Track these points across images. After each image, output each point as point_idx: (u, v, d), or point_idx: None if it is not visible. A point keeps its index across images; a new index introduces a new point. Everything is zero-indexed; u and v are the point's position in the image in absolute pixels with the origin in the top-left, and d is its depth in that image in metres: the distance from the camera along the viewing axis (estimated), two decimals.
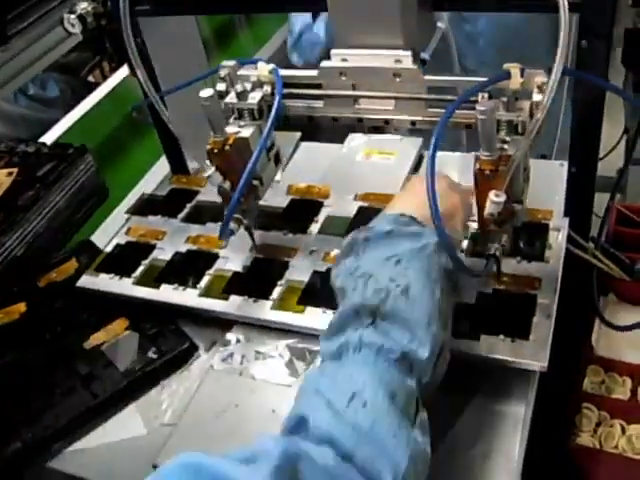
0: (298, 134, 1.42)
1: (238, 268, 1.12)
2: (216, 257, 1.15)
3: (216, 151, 0.96)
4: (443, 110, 0.84)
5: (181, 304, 1.08)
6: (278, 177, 1.38)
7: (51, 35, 1.29)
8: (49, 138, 1.94)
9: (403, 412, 0.67)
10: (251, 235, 1.11)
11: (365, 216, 1.17)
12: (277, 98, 0.96)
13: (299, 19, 2.16)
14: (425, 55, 1.55)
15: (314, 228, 1.17)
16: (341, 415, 0.65)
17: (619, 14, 0.97)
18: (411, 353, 0.71)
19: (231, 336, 1.05)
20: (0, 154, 1.66)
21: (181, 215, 1.26)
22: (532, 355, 0.91)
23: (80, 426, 0.99)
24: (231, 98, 1.00)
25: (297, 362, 0.99)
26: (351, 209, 1.19)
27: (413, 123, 0.99)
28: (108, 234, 1.29)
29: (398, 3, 0.91)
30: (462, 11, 0.98)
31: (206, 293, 1.09)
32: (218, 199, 1.25)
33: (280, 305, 1.04)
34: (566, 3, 0.79)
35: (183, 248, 1.18)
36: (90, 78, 2.62)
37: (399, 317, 0.73)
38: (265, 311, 1.04)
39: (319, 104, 1.03)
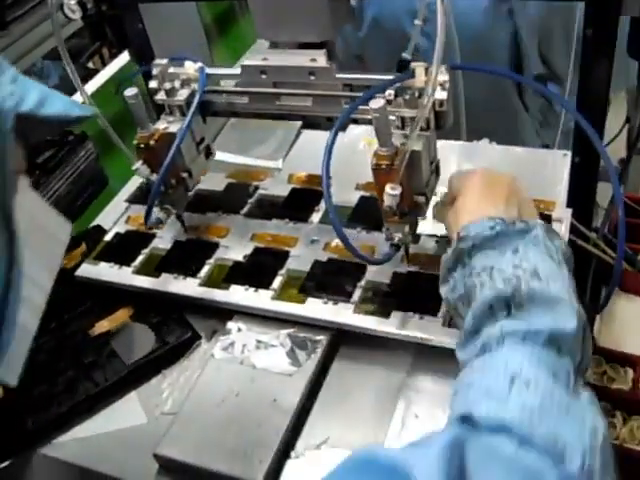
0: (299, 123, 1.41)
1: (239, 257, 1.11)
2: (216, 246, 1.14)
3: (142, 146, 1.03)
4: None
5: (181, 294, 1.08)
6: (280, 165, 1.39)
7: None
8: None
9: (569, 389, 0.64)
10: (182, 222, 1.16)
11: (367, 205, 1.17)
12: (197, 95, 1.04)
13: None
14: (406, 55, 1.56)
15: (315, 217, 1.16)
16: (505, 400, 0.61)
17: (624, 2, 0.96)
18: (558, 331, 0.68)
19: (232, 325, 1.05)
20: None
21: None
22: None
23: (81, 414, 0.99)
24: (161, 95, 1.07)
25: (298, 351, 0.99)
26: (352, 198, 1.18)
27: (329, 119, 1.02)
28: (108, 222, 1.29)
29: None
30: None
31: (206, 282, 1.08)
32: (218, 187, 1.26)
33: (281, 295, 1.04)
34: None
35: (183, 237, 1.17)
36: (90, 64, 2.60)
37: (537, 298, 0.70)
38: (266, 301, 1.03)
39: (244, 100, 1.09)
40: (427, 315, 0.97)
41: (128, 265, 1.14)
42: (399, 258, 1.05)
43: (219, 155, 1.39)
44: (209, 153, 1.15)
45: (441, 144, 1.36)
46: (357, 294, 1.01)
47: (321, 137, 1.39)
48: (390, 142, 0.86)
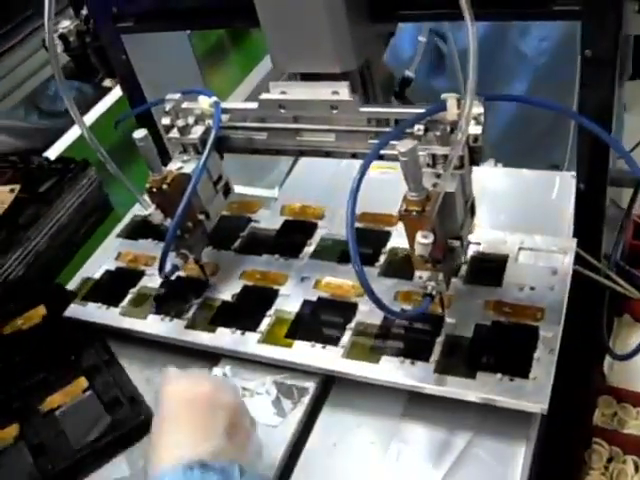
0: None
1: (227, 297, 1.07)
2: (205, 285, 1.10)
3: (155, 190, 0.96)
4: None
5: (167, 336, 1.04)
6: (275, 195, 1.34)
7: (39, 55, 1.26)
8: (59, 148, 1.92)
9: None
10: (202, 269, 1.09)
11: (360, 238, 1.12)
12: (213, 132, 0.97)
13: None
14: (410, 73, 1.49)
15: (307, 251, 1.11)
16: None
17: (625, 20, 0.90)
18: None
19: (217, 371, 1.00)
20: (3, 169, 1.64)
21: None
22: (531, 396, 0.84)
23: None
24: (174, 133, 1.00)
25: (284, 400, 0.95)
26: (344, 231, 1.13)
27: (354, 155, 0.95)
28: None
29: (327, 26, 0.87)
30: (403, 22, 0.92)
31: (193, 325, 1.04)
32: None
33: (267, 338, 0.99)
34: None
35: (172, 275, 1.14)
36: (106, 83, 2.59)
37: None
38: (252, 345, 0.99)
39: (262, 136, 1.01)
40: (419, 360, 0.91)
41: (116, 305, 1.11)
42: (392, 297, 1.00)
43: None
44: (227, 191, 1.08)
45: None
46: (346, 337, 0.96)
47: (319, 164, 1.36)
48: (421, 186, 0.78)
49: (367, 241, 1.10)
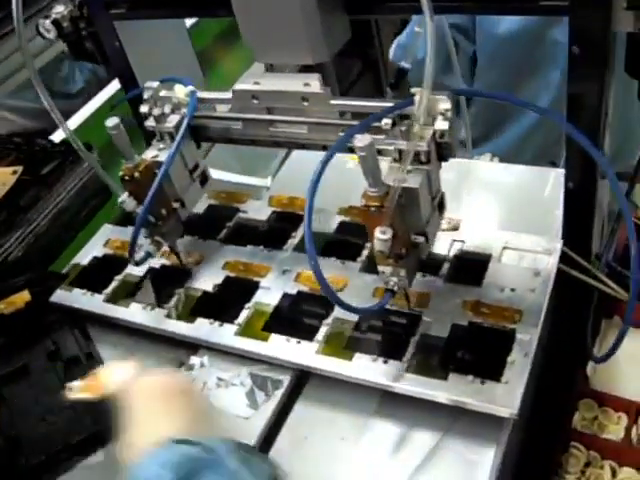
0: None
1: (208, 287, 1.07)
2: (189, 274, 1.10)
3: (127, 178, 0.96)
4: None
5: (147, 325, 1.05)
6: (268, 184, 1.34)
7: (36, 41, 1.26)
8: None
9: None
10: (178, 256, 1.10)
11: (346, 232, 1.11)
12: (185, 120, 0.97)
13: None
14: (405, 65, 1.46)
15: (291, 244, 1.11)
16: None
17: (614, 16, 0.87)
18: None
19: (195, 360, 1.01)
20: (7, 151, 1.65)
21: None
22: (502, 400, 0.83)
23: None
24: (150, 121, 1.00)
25: (258, 392, 0.95)
26: (332, 224, 1.12)
27: (324, 147, 0.94)
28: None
29: (300, 16, 0.86)
30: (378, 15, 0.91)
31: (173, 314, 1.05)
32: (198, 210, 1.22)
33: (244, 331, 0.99)
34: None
35: (157, 263, 1.14)
36: None
37: None
38: (228, 337, 0.99)
39: (238, 126, 1.01)
40: (392, 359, 0.91)
41: (100, 292, 1.12)
42: (371, 294, 0.99)
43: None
44: (205, 180, 1.09)
45: None
46: (322, 332, 0.96)
47: (313, 154, 1.35)
48: (380, 182, 0.77)
49: (352, 235, 1.09)
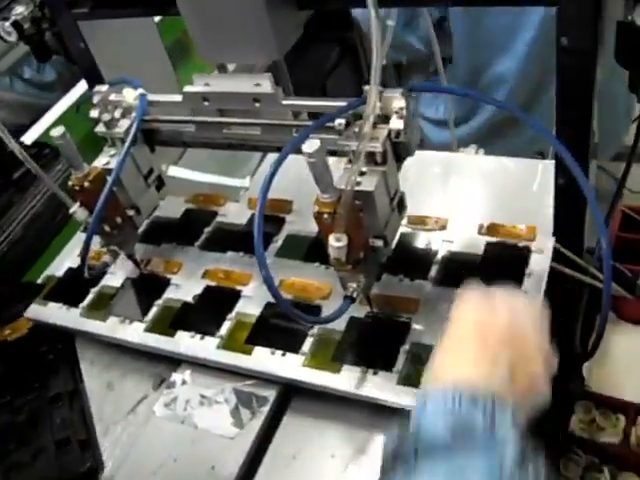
0: None
1: (188, 298, 1.03)
2: (168, 283, 1.06)
3: (77, 188, 0.94)
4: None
5: (126, 340, 1.01)
6: (247, 184, 1.29)
7: None
8: (38, 130, 1.87)
9: None
10: (134, 262, 1.08)
11: None
12: (134, 125, 0.94)
13: None
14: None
15: (273, 248, 1.07)
16: None
17: (604, 5, 0.83)
18: None
19: (177, 377, 0.97)
20: None
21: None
22: None
23: None
24: (100, 127, 0.98)
25: (242, 410, 0.91)
26: (314, 227, 1.07)
27: (279, 148, 0.89)
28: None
29: (248, 14, 0.83)
30: (331, 7, 0.87)
31: (152, 328, 1.01)
32: (175, 214, 1.18)
33: (227, 344, 0.95)
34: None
35: (134, 273, 1.09)
36: None
37: None
38: (211, 350, 0.95)
39: (191, 128, 0.98)
40: (382, 370, 0.87)
41: (76, 306, 1.07)
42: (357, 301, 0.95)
43: (178, 172, 1.31)
44: (161, 185, 1.07)
45: (424, 155, 1.27)
46: (308, 344, 0.92)
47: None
48: (331, 187, 0.75)
49: None
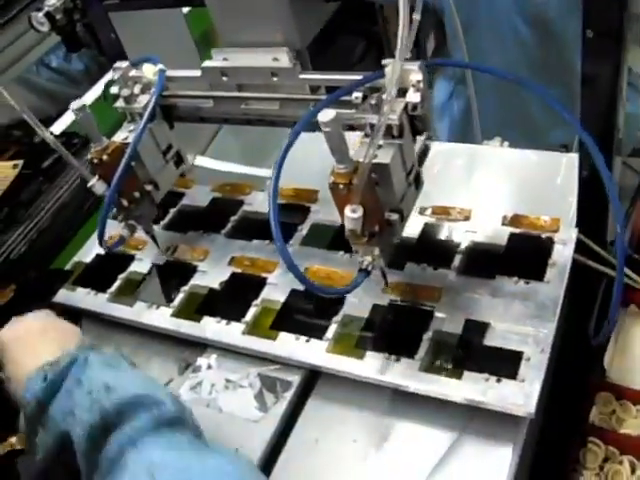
0: None
1: (214, 284, 1.05)
2: (194, 270, 1.08)
3: (96, 161, 0.95)
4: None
5: (152, 324, 1.03)
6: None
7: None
8: (66, 121, 1.89)
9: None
10: (153, 239, 1.09)
11: None
12: (153, 99, 0.95)
13: None
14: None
15: (298, 237, 1.08)
16: None
17: None
18: (162, 418, 0.69)
19: (202, 361, 0.99)
20: (8, 144, 1.63)
21: (164, 222, 1.19)
22: (518, 399, 0.81)
23: None
24: (120, 102, 0.99)
25: (267, 394, 0.92)
26: (338, 216, 1.09)
27: (295, 123, 0.89)
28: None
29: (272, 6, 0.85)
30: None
31: (179, 313, 1.02)
32: (202, 203, 1.20)
33: (252, 329, 0.97)
34: None
35: (161, 259, 1.12)
36: None
37: (124, 405, 0.69)
38: (236, 336, 0.97)
39: (209, 104, 0.99)
40: (404, 357, 0.88)
41: (104, 291, 1.09)
42: (380, 289, 0.96)
43: (205, 162, 1.33)
44: (180, 161, 1.07)
45: (449, 146, 1.28)
46: (332, 330, 0.94)
47: (316, 140, 1.32)
48: (347, 158, 0.75)
49: None
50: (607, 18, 0.82)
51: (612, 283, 1.02)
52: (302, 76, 0.90)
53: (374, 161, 0.75)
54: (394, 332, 0.92)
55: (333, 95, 0.81)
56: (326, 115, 0.70)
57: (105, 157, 0.94)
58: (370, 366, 0.89)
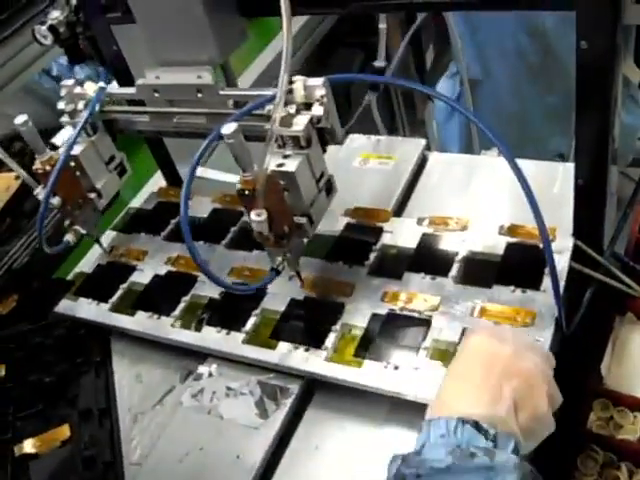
0: None
1: (215, 294, 1.06)
2: (195, 281, 1.09)
3: (40, 171, 1.02)
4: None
5: (153, 334, 1.04)
6: None
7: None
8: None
9: None
10: (99, 244, 1.17)
11: (353, 235, 1.09)
12: (85, 114, 1.03)
13: None
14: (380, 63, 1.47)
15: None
16: None
17: (623, 10, 0.85)
18: None
19: (203, 369, 1.00)
20: (11, 156, 1.64)
21: (164, 233, 1.20)
22: None
23: None
24: (65, 117, 1.07)
25: (267, 401, 0.94)
26: (338, 226, 1.10)
27: (221, 137, 0.93)
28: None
29: (191, 18, 0.92)
30: (272, 16, 0.91)
31: (180, 323, 1.04)
32: (202, 214, 1.21)
33: (252, 339, 0.98)
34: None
35: (163, 270, 1.13)
36: None
37: None
38: (236, 345, 0.98)
39: (145, 118, 1.07)
40: (404, 366, 0.89)
41: (105, 301, 1.11)
42: (379, 298, 0.97)
43: (209, 173, 1.34)
44: (123, 171, 1.14)
45: (446, 157, 1.30)
46: (331, 339, 0.95)
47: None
48: (251, 166, 0.81)
49: (358, 237, 1.08)
50: (601, 29, 0.83)
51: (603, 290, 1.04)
52: (222, 92, 0.97)
53: (281, 169, 0.84)
54: (393, 341, 0.93)
55: (243, 110, 0.88)
56: (229, 128, 0.78)
57: (48, 167, 1.01)
58: (368, 375, 0.90)
